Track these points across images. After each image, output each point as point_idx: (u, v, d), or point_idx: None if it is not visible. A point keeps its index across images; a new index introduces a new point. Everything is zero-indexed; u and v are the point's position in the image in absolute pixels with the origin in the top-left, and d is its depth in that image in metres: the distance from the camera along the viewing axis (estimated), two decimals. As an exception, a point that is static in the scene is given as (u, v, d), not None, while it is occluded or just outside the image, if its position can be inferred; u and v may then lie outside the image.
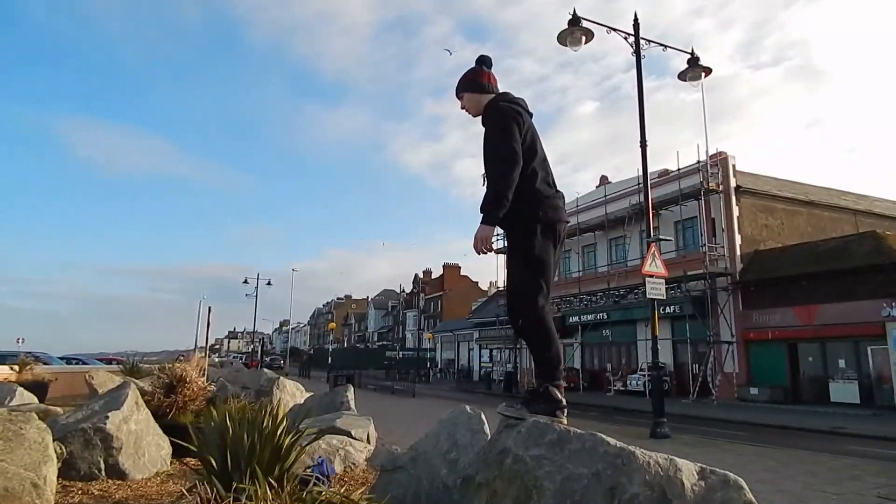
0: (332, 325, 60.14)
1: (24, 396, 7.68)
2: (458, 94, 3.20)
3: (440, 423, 4.63)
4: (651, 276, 11.62)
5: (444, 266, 64.10)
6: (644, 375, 23.55)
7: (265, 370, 14.18)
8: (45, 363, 16.97)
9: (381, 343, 68.65)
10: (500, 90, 3.16)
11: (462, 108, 3.20)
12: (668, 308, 23.07)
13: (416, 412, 15.07)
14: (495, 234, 2.98)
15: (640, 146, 12.03)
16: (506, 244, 3.13)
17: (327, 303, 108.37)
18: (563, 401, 2.74)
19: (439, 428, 4.59)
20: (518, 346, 30.19)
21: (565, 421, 2.64)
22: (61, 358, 23.63)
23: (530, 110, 3.11)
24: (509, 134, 2.78)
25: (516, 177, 2.70)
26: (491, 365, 37.15)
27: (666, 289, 12.45)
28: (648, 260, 11.80)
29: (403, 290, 67.73)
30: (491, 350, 38.98)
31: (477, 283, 64.29)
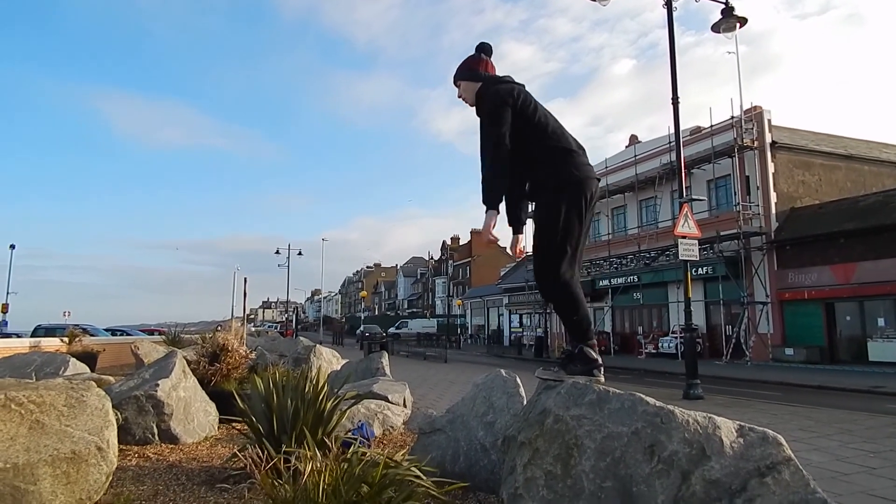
0: (364, 293, 61.07)
1: (77, 367, 8.07)
2: (455, 82, 3.13)
3: (476, 387, 4.74)
4: (684, 237, 11.46)
5: (471, 232, 64.11)
6: (676, 338, 23.42)
7: (301, 338, 14.55)
8: (91, 335, 17.69)
9: (410, 310, 69.50)
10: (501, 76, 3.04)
11: (459, 96, 3.13)
12: (700, 269, 22.77)
13: (449, 377, 15.33)
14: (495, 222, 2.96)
15: (672, 103, 11.72)
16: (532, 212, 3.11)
17: (357, 271, 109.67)
18: (599, 360, 2.78)
19: (475, 391, 4.71)
20: (548, 311, 30.25)
21: (602, 379, 2.68)
22: (106, 329, 24.56)
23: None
24: (496, 119, 2.74)
25: (504, 163, 2.71)
26: (521, 330, 37.35)
27: (699, 249, 12.26)
28: (681, 220, 11.62)
29: (432, 258, 68.11)
30: (521, 315, 39.16)
31: (505, 248, 63.97)
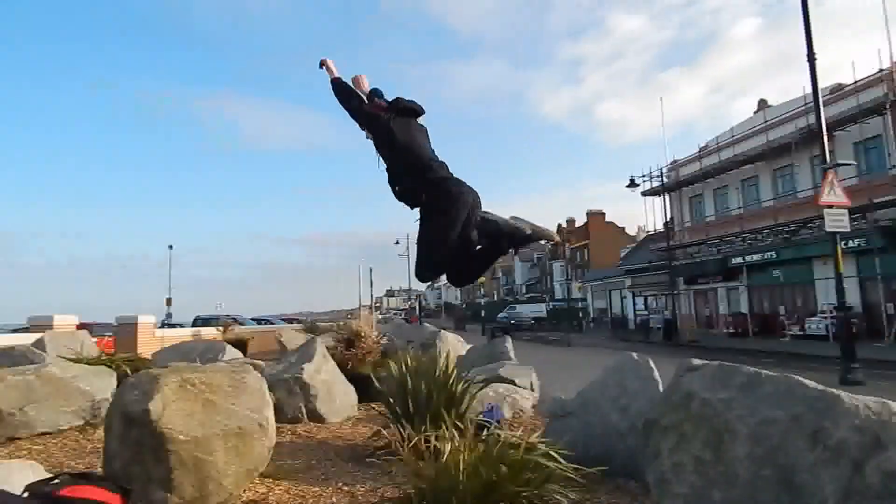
0: (483, 279, 61.65)
1: (233, 352, 8.96)
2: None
3: (607, 371, 4.65)
4: (830, 206, 10.36)
5: (587, 213, 62.30)
6: (826, 318, 21.24)
7: (426, 325, 15.05)
8: (241, 324, 19.58)
9: (529, 295, 69.14)
10: None
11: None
12: (851, 242, 20.38)
13: (574, 361, 15.11)
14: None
15: (808, 60, 10.59)
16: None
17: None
18: None
19: (606, 375, 4.61)
20: (675, 292, 28.73)
21: None
22: (252, 319, 26.94)
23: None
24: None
25: None
26: (647, 312, 35.81)
27: (849, 220, 11.00)
28: (825, 189, 10.51)
29: (548, 241, 67.20)
30: (645, 297, 37.51)
31: (623, 228, 61.75)
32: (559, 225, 69.46)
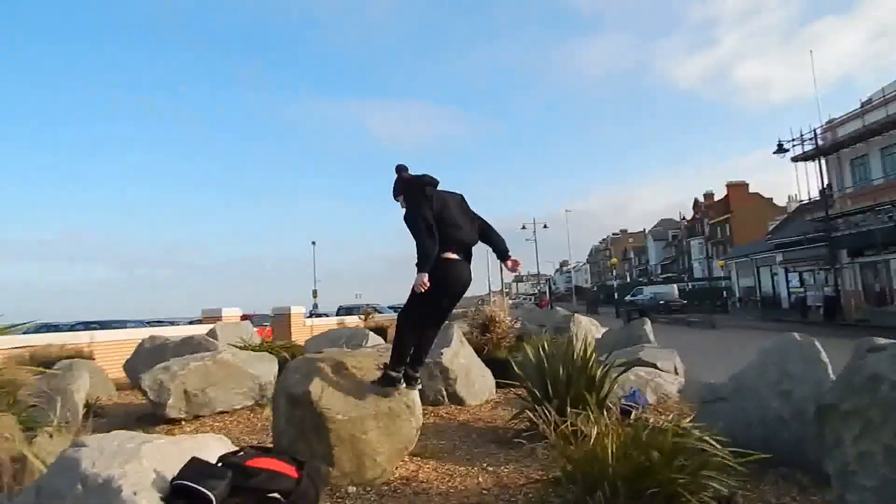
0: (615, 260, 59.47)
1: (375, 339, 9.47)
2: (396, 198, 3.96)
3: (764, 353, 4.29)
4: None
5: (727, 185, 57.45)
6: None
7: (557, 308, 14.85)
8: (379, 312, 20.66)
9: (665, 276, 65.61)
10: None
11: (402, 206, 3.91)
12: None
13: (720, 344, 14.13)
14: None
15: None
16: None
17: (603, 239, 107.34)
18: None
19: (763, 358, 4.26)
20: (837, 266, 25.70)
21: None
22: (390, 307, 28.29)
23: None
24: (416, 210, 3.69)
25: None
26: (803, 290, 32.42)
27: None
28: None
29: (684, 218, 62.88)
30: (800, 273, 33.95)
31: (770, 199, 56.21)
32: (695, 199, 65.00)
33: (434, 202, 3.69)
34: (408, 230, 3.68)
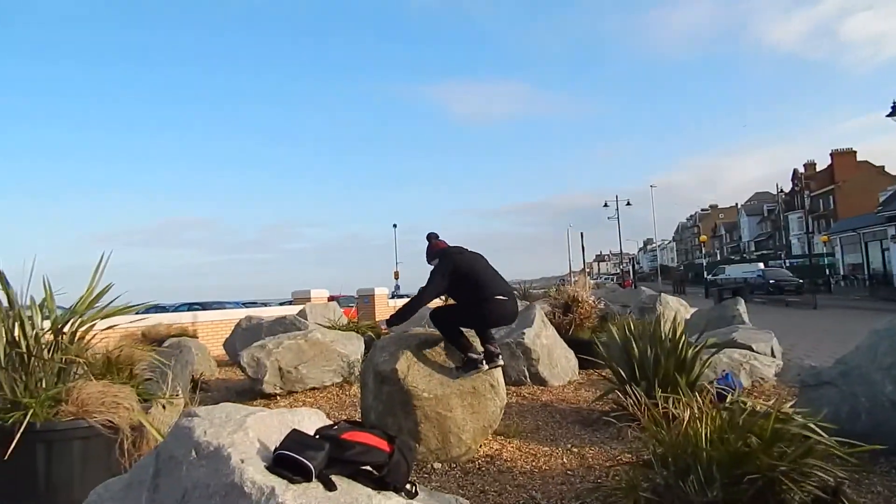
0: (704, 237, 56.61)
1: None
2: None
3: (876, 335, 3.98)
4: None
5: (831, 154, 52.94)
6: None
7: (642, 288, 14.37)
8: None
9: (759, 253, 61.79)
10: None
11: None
12: None
13: (822, 325, 13.19)
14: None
15: None
16: None
17: (691, 216, 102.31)
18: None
19: (875, 339, 3.96)
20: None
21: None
22: (467, 288, 28.58)
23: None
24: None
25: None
26: (920, 267, 29.54)
27: None
28: None
29: (781, 191, 58.66)
30: (918, 248, 30.94)
31: (882, 167, 51.31)
32: (794, 170, 60.51)
33: (466, 261, 4.15)
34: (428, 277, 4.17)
